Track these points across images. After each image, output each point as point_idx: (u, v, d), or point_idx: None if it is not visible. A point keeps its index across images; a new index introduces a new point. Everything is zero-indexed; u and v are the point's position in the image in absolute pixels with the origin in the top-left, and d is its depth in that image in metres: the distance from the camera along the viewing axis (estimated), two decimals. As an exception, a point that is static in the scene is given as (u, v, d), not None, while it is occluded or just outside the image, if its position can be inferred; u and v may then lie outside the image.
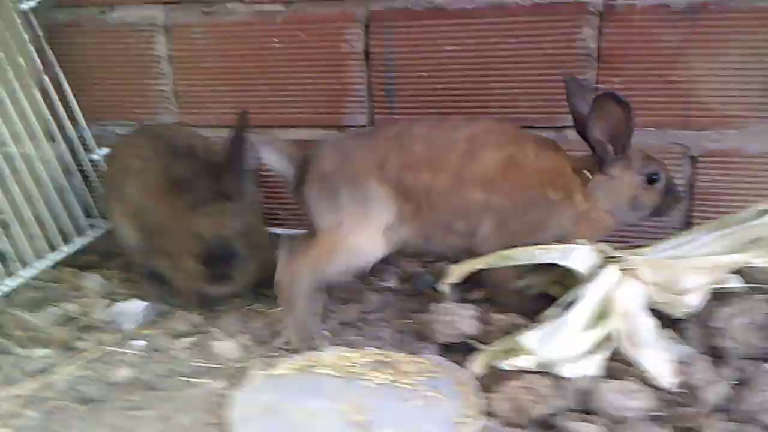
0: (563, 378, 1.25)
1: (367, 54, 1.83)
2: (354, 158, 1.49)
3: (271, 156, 1.56)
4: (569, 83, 1.54)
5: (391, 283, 1.71)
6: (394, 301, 1.64)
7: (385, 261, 1.80)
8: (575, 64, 1.70)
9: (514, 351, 1.29)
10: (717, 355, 1.32)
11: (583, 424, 1.15)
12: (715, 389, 1.21)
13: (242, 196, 1.52)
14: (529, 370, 1.26)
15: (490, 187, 1.48)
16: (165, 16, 1.94)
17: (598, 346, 1.29)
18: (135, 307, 1.63)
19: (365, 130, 1.73)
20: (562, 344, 1.27)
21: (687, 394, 1.22)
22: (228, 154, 1.47)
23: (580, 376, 1.24)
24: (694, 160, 1.72)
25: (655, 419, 1.19)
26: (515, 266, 1.45)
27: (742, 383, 1.24)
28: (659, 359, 1.26)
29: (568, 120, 1.72)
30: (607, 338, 1.30)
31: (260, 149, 1.56)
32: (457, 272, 1.43)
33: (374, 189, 1.47)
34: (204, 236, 1.46)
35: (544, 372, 1.26)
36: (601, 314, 1.31)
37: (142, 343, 1.52)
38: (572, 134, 1.73)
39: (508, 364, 1.27)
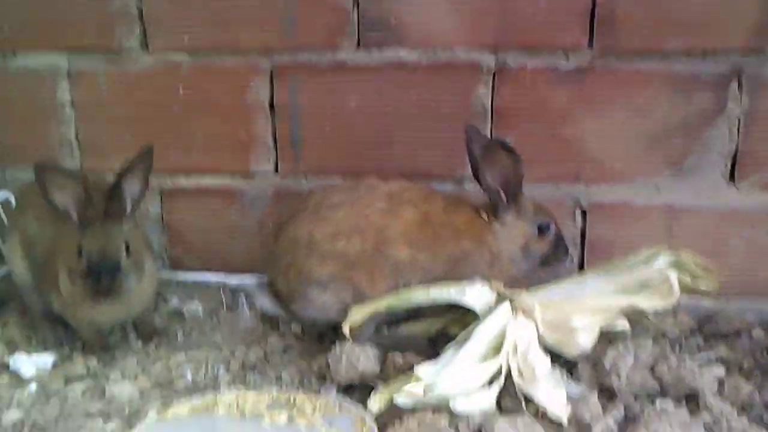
0: (458, 415, 1.29)
1: (272, 105, 1.87)
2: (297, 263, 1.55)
3: (265, 302, 1.64)
4: (468, 131, 1.62)
5: (295, 327, 1.72)
6: (297, 345, 1.65)
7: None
8: (471, 120, 1.78)
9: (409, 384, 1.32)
10: (607, 394, 1.38)
11: (478, 459, 1.18)
12: (603, 424, 1.27)
13: (126, 219, 1.53)
14: (423, 403, 1.28)
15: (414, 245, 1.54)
16: (68, 63, 1.93)
17: (491, 381, 1.34)
18: (38, 359, 1.59)
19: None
20: (455, 377, 1.31)
21: (577, 428, 1.27)
22: (116, 179, 1.49)
23: (473, 410, 1.28)
24: (584, 212, 1.82)
25: (545, 454, 1.23)
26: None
27: (629, 419, 1.30)
28: (553, 393, 1.31)
29: (467, 171, 1.81)
30: (499, 372, 1.34)
31: (257, 302, 1.66)
32: (357, 314, 1.45)
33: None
34: (88, 251, 1.46)
35: (440, 410, 1.29)
36: (494, 349, 1.36)
37: (35, 386, 1.48)
38: (471, 186, 1.82)
39: (404, 394, 1.29)
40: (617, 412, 1.30)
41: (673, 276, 1.41)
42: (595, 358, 1.43)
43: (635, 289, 1.45)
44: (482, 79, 1.76)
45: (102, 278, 1.45)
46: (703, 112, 1.71)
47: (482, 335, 1.37)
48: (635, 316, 1.47)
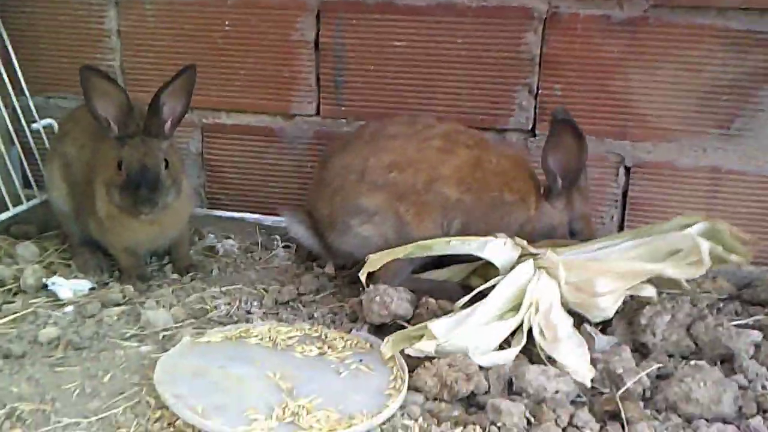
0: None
1: (317, 44, 1.85)
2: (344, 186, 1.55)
3: (299, 229, 1.65)
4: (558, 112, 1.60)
5: (329, 269, 1.72)
6: (330, 286, 1.65)
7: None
8: (518, 68, 1.76)
9: (423, 336, 1.31)
10: (640, 351, 1.37)
11: (508, 402, 1.18)
12: (636, 377, 1.25)
13: (165, 136, 1.54)
14: (432, 356, 1.28)
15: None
16: (117, -8, 1.93)
17: (511, 338, 1.34)
18: (75, 284, 1.61)
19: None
20: (471, 334, 1.30)
21: (608, 380, 1.26)
22: (156, 95, 1.50)
23: (493, 364, 1.28)
24: (628, 169, 1.78)
25: (575, 403, 1.22)
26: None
27: (661, 377, 1.28)
28: (576, 354, 1.30)
29: (510, 123, 1.79)
30: (520, 330, 1.34)
31: (290, 227, 1.66)
32: (376, 261, 1.45)
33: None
34: (128, 163, 1.48)
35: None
36: (514, 307, 1.36)
37: (72, 308, 1.51)
38: (512, 136, 1.80)
39: (414, 349, 1.29)
40: (650, 367, 1.28)
41: (705, 246, 1.37)
42: (630, 315, 1.41)
43: (664, 256, 1.42)
44: (532, 26, 1.72)
45: (141, 190, 1.47)
46: (757, 73, 1.66)
47: (502, 292, 1.36)
48: (667, 283, 1.44)
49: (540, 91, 1.76)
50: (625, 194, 1.80)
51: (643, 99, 1.73)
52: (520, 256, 1.44)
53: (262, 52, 1.89)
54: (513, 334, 1.36)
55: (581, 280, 1.39)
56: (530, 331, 1.34)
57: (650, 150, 1.76)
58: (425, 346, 1.29)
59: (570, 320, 1.36)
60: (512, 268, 1.42)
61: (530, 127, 1.79)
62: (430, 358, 1.28)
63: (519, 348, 1.32)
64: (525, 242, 1.46)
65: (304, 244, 1.69)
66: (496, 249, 1.45)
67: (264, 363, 1.27)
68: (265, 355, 1.31)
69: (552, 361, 1.30)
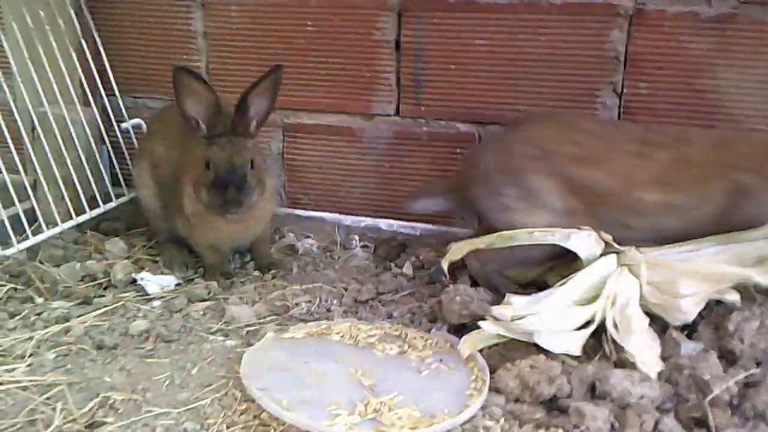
0: (570, 363, 1.27)
1: (398, 43, 1.86)
2: (514, 153, 1.51)
3: (427, 203, 1.67)
4: None
5: (407, 269, 1.73)
6: (409, 286, 1.66)
7: (403, 248, 1.84)
8: (602, 67, 1.72)
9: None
10: (727, 357, 1.33)
11: (592, 406, 1.16)
12: (723, 384, 1.21)
13: (251, 135, 1.58)
14: (508, 332, 1.29)
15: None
16: (203, -6, 1.99)
17: (582, 325, 1.32)
18: (162, 279, 1.67)
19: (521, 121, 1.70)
20: (545, 314, 1.30)
21: (694, 387, 1.23)
22: (244, 94, 1.53)
23: (557, 349, 1.27)
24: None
25: (660, 409, 1.20)
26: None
27: (749, 385, 1.24)
28: (646, 347, 1.28)
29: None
30: (592, 320, 1.32)
31: (412, 206, 1.69)
32: (456, 251, 1.44)
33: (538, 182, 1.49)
34: (216, 163, 1.52)
35: (554, 356, 1.28)
36: (591, 297, 1.34)
37: (160, 303, 1.56)
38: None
39: (491, 319, 1.30)
40: (739, 374, 1.24)
41: None
42: (716, 321, 1.37)
43: (752, 261, 1.38)
44: (618, 23, 1.69)
45: (228, 189, 1.50)
46: None
47: (581, 280, 1.35)
48: (749, 295, 1.40)
49: (624, 90, 1.73)
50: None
51: (731, 99, 1.68)
52: (603, 252, 1.42)
53: (343, 52, 1.90)
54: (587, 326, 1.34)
55: (664, 281, 1.37)
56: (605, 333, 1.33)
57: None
58: (501, 311, 1.30)
59: (646, 319, 1.34)
60: (594, 260, 1.41)
61: (613, 125, 1.76)
62: (510, 359, 1.27)
63: (586, 335, 1.31)
64: (610, 237, 1.44)
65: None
66: (581, 241, 1.43)
67: (346, 360, 1.29)
68: (347, 352, 1.33)
69: (620, 350, 1.28)
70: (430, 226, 1.92)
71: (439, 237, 1.88)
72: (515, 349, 1.32)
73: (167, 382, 1.26)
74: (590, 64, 1.73)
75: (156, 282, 1.63)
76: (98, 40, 2.00)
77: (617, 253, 1.42)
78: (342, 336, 1.38)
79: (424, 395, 1.19)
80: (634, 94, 1.73)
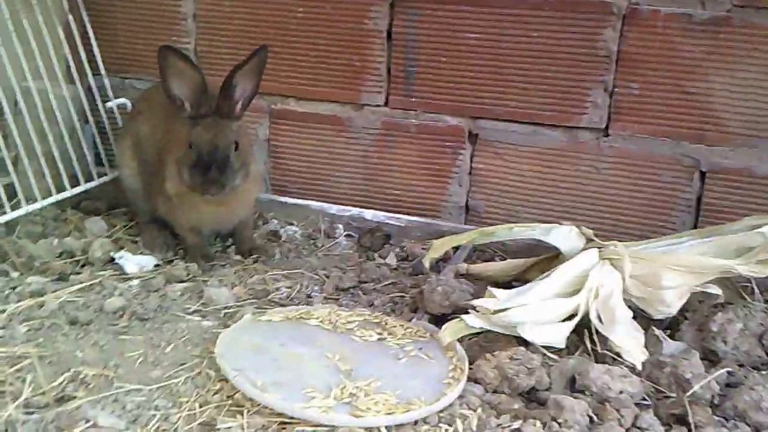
0: (549, 356, 1.27)
1: (389, 33, 1.84)
2: None
3: None
4: None
5: (390, 260, 1.72)
6: (391, 276, 1.64)
7: (387, 238, 1.82)
8: (594, 65, 1.72)
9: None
10: (709, 358, 1.32)
11: (571, 399, 1.15)
12: (704, 383, 1.20)
13: (236, 117, 1.56)
14: (491, 325, 1.28)
15: None
16: (194, -24, 1.96)
17: (565, 317, 1.31)
18: (141, 260, 1.64)
19: None
20: (528, 306, 1.29)
21: (675, 385, 1.22)
22: (229, 75, 1.51)
23: (541, 341, 1.27)
24: (703, 174, 1.72)
25: (640, 405, 1.19)
26: None
27: (731, 385, 1.24)
28: (630, 337, 1.27)
29: (582, 121, 1.75)
30: (576, 312, 1.31)
31: None
32: (439, 247, 1.43)
33: None
34: (199, 143, 1.50)
35: (534, 348, 1.27)
36: (574, 290, 1.34)
37: (137, 282, 1.54)
38: (584, 135, 1.76)
39: (474, 313, 1.29)
40: (720, 373, 1.24)
41: None
42: (700, 322, 1.37)
43: (733, 252, 1.38)
44: (611, 21, 1.68)
45: (210, 170, 1.48)
46: None
47: (563, 273, 1.35)
48: (732, 287, 1.42)
49: (615, 90, 1.72)
50: (699, 199, 1.74)
51: (722, 102, 1.67)
52: (585, 246, 1.42)
53: (334, 41, 1.89)
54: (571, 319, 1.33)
55: (647, 274, 1.36)
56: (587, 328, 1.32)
57: (727, 155, 1.70)
58: (485, 303, 1.29)
59: (629, 312, 1.33)
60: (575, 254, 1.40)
61: (604, 126, 1.75)
62: (490, 350, 1.26)
63: (570, 327, 1.30)
64: (591, 232, 1.44)
65: None
66: (561, 235, 1.43)
67: (324, 344, 1.27)
68: (325, 336, 1.31)
69: (604, 340, 1.28)
70: (415, 218, 1.90)
71: (423, 229, 1.86)
72: (495, 340, 1.31)
73: (140, 360, 1.24)
74: (582, 62, 1.72)
75: (134, 262, 1.61)
76: (86, 18, 1.97)
77: (599, 247, 1.41)
78: (321, 321, 1.36)
79: (401, 382, 1.17)
80: (625, 94, 1.72)
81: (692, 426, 1.12)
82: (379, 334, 1.33)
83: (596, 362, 1.26)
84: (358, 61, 1.89)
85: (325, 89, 1.94)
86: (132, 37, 2.04)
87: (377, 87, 1.89)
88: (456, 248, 1.67)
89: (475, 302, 1.30)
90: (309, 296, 1.53)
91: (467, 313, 1.34)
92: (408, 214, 1.91)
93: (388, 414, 1.08)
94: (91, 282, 1.51)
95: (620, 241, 1.45)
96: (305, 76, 1.94)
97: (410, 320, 1.41)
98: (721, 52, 1.65)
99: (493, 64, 1.79)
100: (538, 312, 1.30)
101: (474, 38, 1.78)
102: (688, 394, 1.18)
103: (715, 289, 1.36)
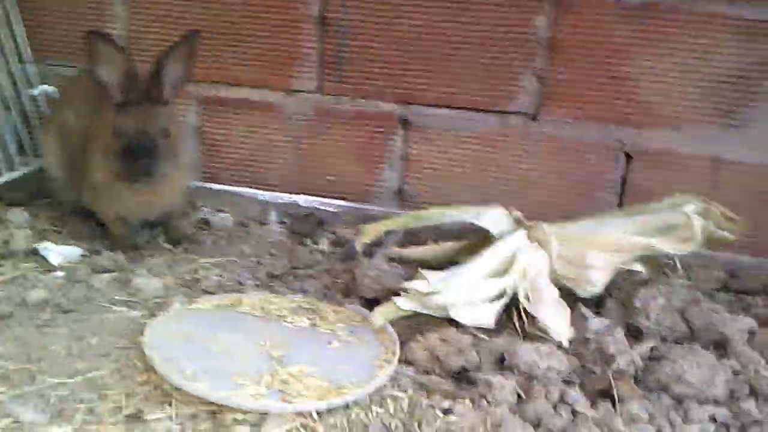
0: (480, 336, 1.28)
1: (322, 19, 1.83)
2: None
3: None
4: None
5: (323, 245, 1.71)
6: (324, 261, 1.64)
7: (320, 224, 1.82)
8: (525, 51, 1.73)
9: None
10: (634, 334, 1.35)
11: (500, 377, 1.17)
12: (628, 358, 1.24)
13: (165, 103, 1.52)
14: (424, 308, 1.29)
15: None
16: (123, -41, 1.91)
17: (495, 298, 1.33)
18: (66, 250, 1.60)
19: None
20: (459, 287, 1.30)
21: (600, 360, 1.25)
22: (158, 61, 1.48)
23: (472, 322, 1.28)
24: (629, 156, 1.76)
25: (569, 382, 1.21)
26: None
27: (654, 359, 1.27)
28: (556, 315, 1.30)
29: (512, 106, 1.77)
30: (505, 292, 1.33)
31: None
32: (371, 231, 1.44)
33: None
34: (126, 131, 1.46)
35: (464, 329, 1.28)
36: (503, 270, 1.36)
37: (62, 273, 1.50)
38: (515, 120, 1.78)
39: (406, 295, 1.30)
40: (643, 348, 1.27)
41: (698, 222, 1.38)
42: (624, 298, 1.40)
43: (656, 231, 1.43)
44: (543, 7, 1.70)
45: (138, 157, 1.45)
46: (765, 63, 1.64)
47: (493, 254, 1.37)
48: (655, 265, 1.45)
49: (547, 76, 1.74)
50: (624, 181, 1.78)
51: (648, 86, 1.71)
52: (514, 228, 1.45)
53: (265, 26, 1.86)
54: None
55: (573, 254, 1.39)
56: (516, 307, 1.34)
57: (652, 137, 1.74)
58: (416, 285, 1.29)
59: (556, 291, 1.36)
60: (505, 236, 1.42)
61: (534, 111, 1.77)
62: (421, 332, 1.27)
63: (499, 307, 1.32)
64: (520, 214, 1.46)
65: None
66: (491, 218, 1.45)
67: (254, 332, 1.26)
68: (256, 324, 1.30)
69: (532, 319, 1.30)
70: (348, 204, 1.90)
71: (356, 214, 1.86)
72: (427, 322, 1.32)
73: (64, 352, 1.21)
74: (514, 48, 1.73)
75: (59, 252, 1.56)
76: (11, 5, 1.89)
77: (527, 228, 1.43)
78: (252, 308, 1.35)
79: (333, 366, 1.17)
80: (557, 80, 1.74)
81: (616, 399, 1.15)
82: (311, 319, 1.33)
83: (525, 341, 1.28)
84: (290, 47, 1.87)
85: (256, 75, 1.91)
86: (58, 22, 1.97)
87: (309, 73, 1.88)
88: (389, 232, 1.67)
89: (407, 285, 1.31)
90: (240, 284, 1.51)
91: (399, 296, 1.35)
92: (341, 199, 1.91)
93: (320, 399, 1.08)
94: (13, 275, 1.46)
95: (550, 222, 1.48)
96: (236, 62, 1.91)
97: (342, 305, 1.41)
98: (648, 37, 1.68)
99: (426, 50, 1.79)
100: (468, 293, 1.31)
101: (407, 24, 1.78)
102: (612, 369, 1.21)
103: (639, 267, 1.40)
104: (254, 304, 1.36)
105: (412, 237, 1.76)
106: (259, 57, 1.89)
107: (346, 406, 1.10)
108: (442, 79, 1.81)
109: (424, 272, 1.31)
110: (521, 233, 1.41)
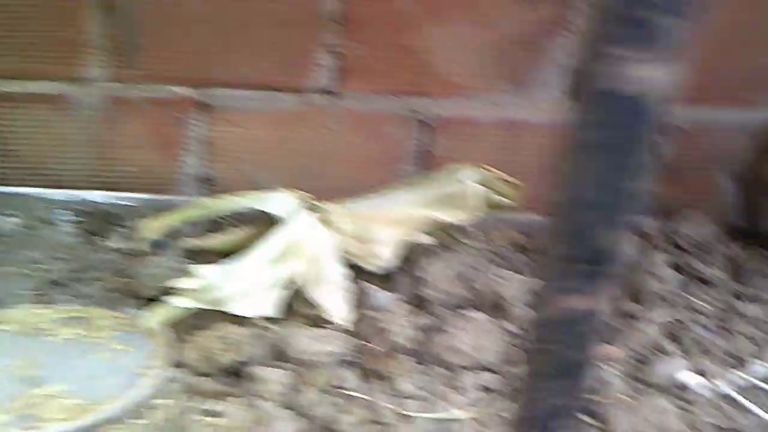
0: (260, 328, 1.25)
1: (109, 4, 1.71)
2: None
3: None
4: None
5: (115, 242, 1.63)
6: (113, 261, 1.56)
7: (115, 220, 1.74)
8: (319, 28, 1.69)
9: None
10: (417, 304, 1.36)
11: (270, 370, 1.14)
12: (405, 333, 1.24)
13: None
14: (200, 303, 1.25)
15: None
16: None
17: (277, 286, 1.31)
18: None
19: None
20: (237, 279, 1.27)
21: (379, 337, 1.24)
22: None
23: (253, 313, 1.25)
24: (426, 126, 1.77)
25: (344, 363, 1.20)
26: None
27: (434, 328, 1.28)
28: (334, 296, 1.30)
29: (311, 84, 1.74)
30: (289, 280, 1.31)
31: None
32: (153, 226, 1.38)
33: None
34: None
35: (241, 322, 1.25)
36: (289, 255, 1.33)
37: None
38: (319, 99, 1.75)
39: (177, 294, 1.25)
40: (421, 320, 1.28)
41: (474, 190, 1.40)
42: (409, 270, 1.41)
43: (436, 201, 1.44)
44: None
45: None
46: (547, 25, 1.67)
47: (277, 240, 1.34)
48: (446, 233, 1.47)
49: (342, 51, 1.71)
50: (426, 152, 1.79)
51: (439, 55, 1.72)
52: (301, 210, 1.42)
53: (46, 13, 1.73)
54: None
55: (361, 230, 1.39)
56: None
57: (450, 107, 1.75)
58: (185, 282, 1.25)
59: (341, 269, 1.35)
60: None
61: (332, 87, 1.75)
62: (196, 330, 1.23)
63: (282, 294, 1.30)
64: (309, 195, 1.45)
65: None
66: (278, 201, 1.42)
67: (12, 352, 1.18)
68: (16, 343, 1.22)
69: (311, 304, 1.29)
70: (149, 196, 1.82)
71: (158, 206, 1.77)
72: (208, 319, 1.28)
73: None
74: (305, 24, 1.69)
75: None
76: None
77: (315, 209, 1.42)
78: (12, 324, 1.26)
79: (94, 381, 1.12)
80: (352, 56, 1.72)
81: (391, 376, 1.16)
82: (80, 330, 1.26)
83: (311, 327, 1.27)
84: (75, 34, 1.75)
85: (39, 66, 1.79)
86: None
87: (98, 61, 1.77)
88: (190, 223, 1.61)
89: (175, 282, 1.26)
90: (16, 294, 1.41)
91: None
92: (141, 191, 1.83)
93: (70, 420, 1.03)
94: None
95: (348, 199, 1.47)
96: (15, 54, 1.78)
97: (122, 308, 1.35)
98: (432, 8, 1.68)
99: (220, 30, 1.72)
100: (246, 283, 1.28)
101: (198, 5, 1.70)
102: (389, 345, 1.22)
103: (426, 238, 1.41)
104: (18, 320, 1.28)
105: (217, 225, 1.71)
106: (40, 47, 1.76)
107: (108, 421, 1.05)
108: (237, 59, 1.75)
109: (195, 267, 1.27)
110: (306, 215, 1.39)
